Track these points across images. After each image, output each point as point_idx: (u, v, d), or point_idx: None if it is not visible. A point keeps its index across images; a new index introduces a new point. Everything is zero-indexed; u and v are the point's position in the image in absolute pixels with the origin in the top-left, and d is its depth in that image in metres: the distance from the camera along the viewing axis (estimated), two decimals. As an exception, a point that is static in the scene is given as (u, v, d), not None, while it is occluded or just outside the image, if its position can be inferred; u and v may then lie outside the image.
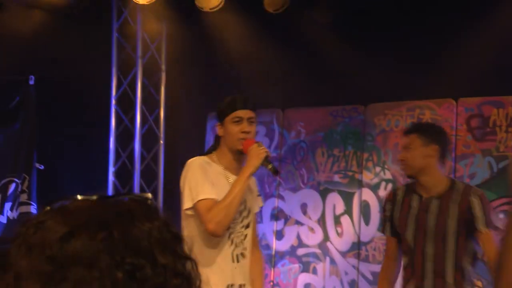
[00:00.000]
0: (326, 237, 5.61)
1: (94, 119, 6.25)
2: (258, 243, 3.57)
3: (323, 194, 5.68)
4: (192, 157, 3.36)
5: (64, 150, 6.23)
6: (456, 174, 5.19)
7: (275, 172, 3.32)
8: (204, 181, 3.22)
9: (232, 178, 3.31)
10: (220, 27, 5.90)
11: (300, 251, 5.69)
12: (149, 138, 6.24)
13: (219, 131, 3.36)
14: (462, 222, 3.53)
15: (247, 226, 3.36)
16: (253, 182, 3.45)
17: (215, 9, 5.65)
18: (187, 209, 3.23)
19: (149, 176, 6.20)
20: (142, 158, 6.18)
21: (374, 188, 5.50)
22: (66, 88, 5.99)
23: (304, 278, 5.65)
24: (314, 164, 5.75)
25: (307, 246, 5.67)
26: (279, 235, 5.78)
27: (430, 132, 3.72)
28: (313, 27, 5.69)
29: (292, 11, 5.65)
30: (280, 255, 5.74)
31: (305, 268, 5.65)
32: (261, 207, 3.62)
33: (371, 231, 5.46)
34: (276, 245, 5.77)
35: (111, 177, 6.16)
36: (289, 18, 5.66)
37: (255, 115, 3.37)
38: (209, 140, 6.13)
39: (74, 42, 5.82)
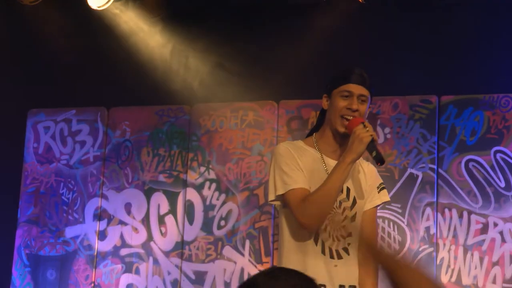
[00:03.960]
0: (150, 237, 5.59)
1: None
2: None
3: (148, 194, 5.66)
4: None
5: None
6: (277, 174, 5.36)
7: (380, 160, 2.75)
8: (294, 168, 2.79)
9: (330, 164, 2.85)
10: (42, 22, 5.71)
11: (123, 251, 5.63)
12: (-36, 136, 5.92)
13: (324, 103, 2.93)
14: None
15: (352, 219, 2.86)
16: (371, 171, 2.94)
17: (35, 3, 5.47)
18: (271, 201, 2.85)
19: (-36, 175, 5.88)
20: (-44, 155, 5.86)
21: (199, 188, 5.56)
22: None
23: (126, 278, 5.60)
24: (139, 164, 5.71)
25: (130, 246, 5.62)
26: (102, 235, 5.69)
27: None
28: (139, 24, 5.65)
29: (117, 7, 5.58)
30: (103, 256, 5.66)
31: (128, 269, 5.60)
32: (384, 203, 2.98)
33: (195, 230, 5.51)
34: (99, 245, 5.67)
35: None
36: (113, 14, 5.59)
37: (370, 94, 2.87)
38: (29, 138, 5.93)
39: None
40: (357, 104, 2.83)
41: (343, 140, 2.86)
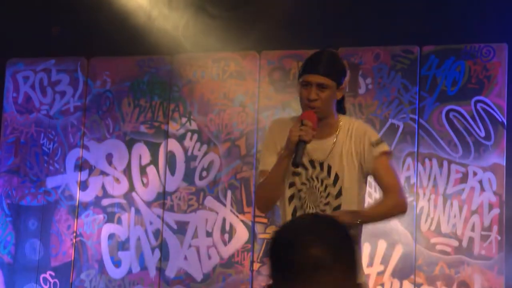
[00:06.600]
0: (132, 188, 5.60)
1: None
2: (393, 191, 3.02)
3: (129, 145, 5.65)
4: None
5: None
6: (259, 125, 5.36)
7: (293, 164, 2.89)
8: (268, 149, 3.01)
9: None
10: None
11: (105, 202, 5.64)
12: None
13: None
14: None
15: (338, 195, 3.01)
16: (360, 134, 3.02)
17: None
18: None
19: None
20: None
21: (180, 139, 5.55)
22: None
23: (108, 228, 5.61)
24: (120, 114, 5.69)
25: (112, 196, 5.63)
26: (83, 185, 5.69)
27: None
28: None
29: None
30: (84, 206, 5.66)
31: (110, 219, 5.62)
32: (386, 153, 3.05)
33: (177, 181, 5.52)
34: (80, 195, 5.67)
35: None
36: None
37: (331, 80, 2.96)
38: (9, 87, 5.88)
39: None
40: (315, 93, 2.94)
41: (319, 121, 2.98)
